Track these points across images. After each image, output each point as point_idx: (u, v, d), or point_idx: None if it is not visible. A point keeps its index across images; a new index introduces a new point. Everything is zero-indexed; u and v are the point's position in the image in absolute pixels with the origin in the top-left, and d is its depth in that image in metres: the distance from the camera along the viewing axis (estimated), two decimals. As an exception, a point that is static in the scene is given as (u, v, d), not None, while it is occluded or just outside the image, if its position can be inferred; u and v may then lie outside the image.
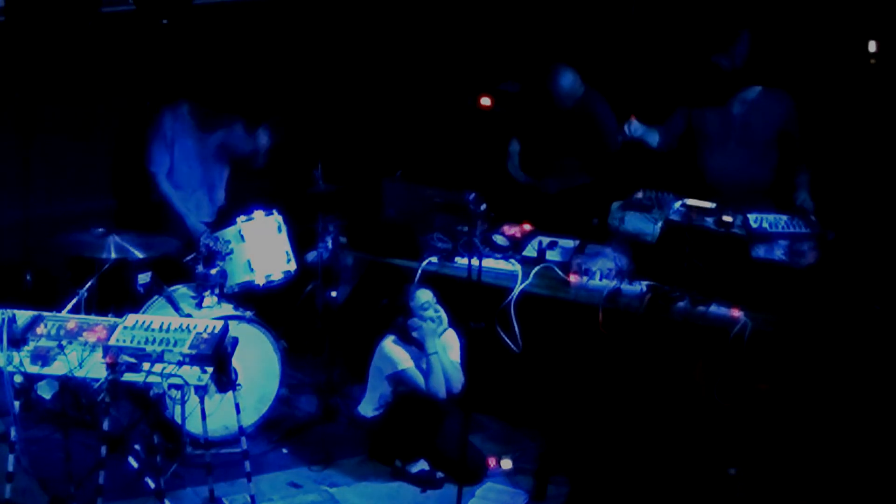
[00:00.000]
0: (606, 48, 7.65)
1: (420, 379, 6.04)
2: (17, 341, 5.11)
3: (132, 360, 5.02)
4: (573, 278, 6.49)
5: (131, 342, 5.06)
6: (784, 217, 6.36)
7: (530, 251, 6.83)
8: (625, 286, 6.38)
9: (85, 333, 5.19)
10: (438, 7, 7.97)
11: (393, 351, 6.11)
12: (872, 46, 6.85)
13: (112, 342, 5.06)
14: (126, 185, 7.57)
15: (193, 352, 5.05)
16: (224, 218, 6.95)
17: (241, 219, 6.57)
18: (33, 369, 5.09)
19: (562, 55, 7.29)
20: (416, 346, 6.12)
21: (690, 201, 6.49)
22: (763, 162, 6.79)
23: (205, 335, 5.14)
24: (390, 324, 6.21)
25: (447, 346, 6.21)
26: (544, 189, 7.41)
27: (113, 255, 5.93)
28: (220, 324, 5.24)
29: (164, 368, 5.01)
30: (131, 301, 6.21)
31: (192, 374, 5.04)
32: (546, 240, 6.86)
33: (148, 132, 7.06)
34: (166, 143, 6.99)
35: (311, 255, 6.82)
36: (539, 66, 7.31)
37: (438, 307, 6.16)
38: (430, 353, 6.04)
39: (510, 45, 7.89)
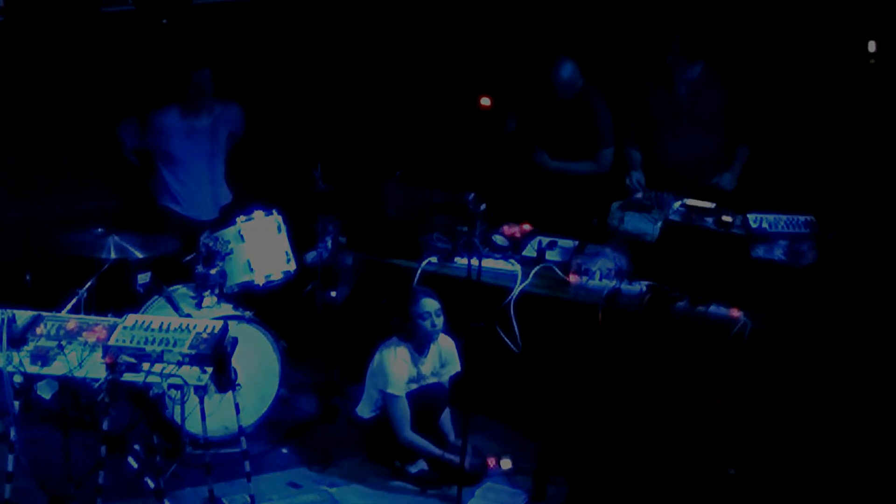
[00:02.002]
0: (607, 48, 7.66)
1: (398, 410, 6.03)
2: (16, 341, 5.11)
3: (132, 360, 5.02)
4: (573, 278, 6.49)
5: (131, 342, 5.06)
6: (784, 217, 6.36)
7: (530, 251, 6.83)
8: (624, 286, 6.37)
9: (85, 333, 5.20)
10: (438, 7, 7.97)
11: (390, 368, 6.07)
12: (872, 46, 6.85)
13: (112, 342, 5.06)
14: (127, 185, 7.58)
15: (193, 352, 5.05)
16: (226, 217, 6.95)
17: (240, 219, 6.57)
18: (33, 369, 5.09)
19: (562, 53, 7.30)
20: (416, 346, 6.14)
21: (690, 201, 6.50)
22: (714, 139, 6.97)
23: (204, 335, 5.14)
24: (388, 324, 6.21)
25: (442, 351, 6.24)
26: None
27: (113, 255, 5.94)
28: (219, 324, 5.24)
29: (163, 368, 5.01)
30: (131, 301, 6.21)
31: (191, 374, 5.04)
32: (546, 240, 6.86)
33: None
34: (140, 131, 7.13)
35: (311, 255, 6.82)
36: (542, 57, 7.34)
37: (439, 319, 6.14)
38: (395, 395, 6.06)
39: (510, 45, 7.88)
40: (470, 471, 5.87)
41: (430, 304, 6.10)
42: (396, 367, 6.08)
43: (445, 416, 6.24)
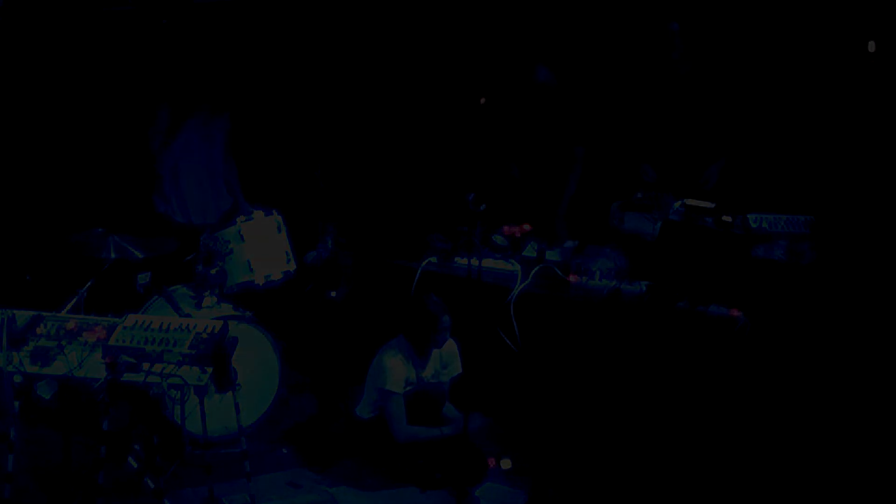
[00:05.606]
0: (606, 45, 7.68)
1: (395, 408, 6.04)
2: (17, 341, 5.11)
3: (132, 360, 5.03)
4: (573, 278, 6.49)
5: (131, 342, 5.06)
6: (784, 217, 6.37)
7: (530, 251, 6.83)
8: (624, 286, 6.38)
9: (85, 333, 5.20)
10: (439, 8, 7.98)
11: (390, 366, 6.08)
12: (872, 46, 6.86)
13: (112, 342, 5.06)
14: (126, 185, 7.58)
15: (193, 352, 5.05)
16: (226, 219, 6.95)
17: (240, 219, 6.58)
18: (33, 369, 5.09)
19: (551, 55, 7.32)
20: (419, 352, 6.16)
21: (690, 201, 6.51)
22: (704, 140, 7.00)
23: (204, 335, 5.14)
24: (395, 327, 6.21)
25: (443, 354, 6.25)
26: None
27: (113, 255, 5.94)
28: (219, 324, 5.24)
29: (163, 368, 5.01)
30: (131, 301, 6.21)
31: (191, 374, 5.04)
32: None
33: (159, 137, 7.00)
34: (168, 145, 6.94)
35: (311, 255, 6.83)
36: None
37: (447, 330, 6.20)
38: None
39: (510, 47, 7.90)
40: (473, 431, 5.92)
41: (448, 320, 6.13)
42: (396, 367, 6.09)
43: (447, 410, 6.25)
